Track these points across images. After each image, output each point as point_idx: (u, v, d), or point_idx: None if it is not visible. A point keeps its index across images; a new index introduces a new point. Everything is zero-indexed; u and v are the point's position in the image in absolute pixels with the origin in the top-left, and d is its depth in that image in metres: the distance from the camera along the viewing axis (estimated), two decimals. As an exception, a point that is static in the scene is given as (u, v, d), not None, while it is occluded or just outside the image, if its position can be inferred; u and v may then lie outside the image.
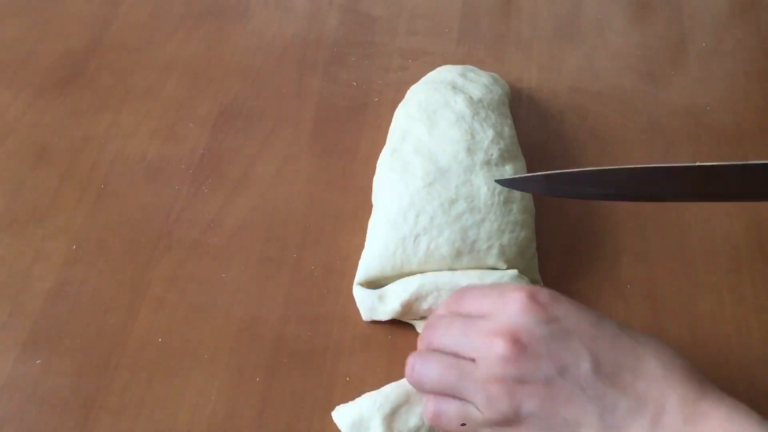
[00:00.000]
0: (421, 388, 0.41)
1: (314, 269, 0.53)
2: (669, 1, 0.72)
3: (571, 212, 0.56)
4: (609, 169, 0.41)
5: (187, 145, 0.60)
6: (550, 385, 0.36)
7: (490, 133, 0.52)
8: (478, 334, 0.38)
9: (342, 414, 0.45)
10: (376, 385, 0.46)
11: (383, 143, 0.56)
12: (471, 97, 0.55)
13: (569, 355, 0.36)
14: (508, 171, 0.51)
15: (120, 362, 0.48)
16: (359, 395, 0.45)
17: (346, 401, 0.45)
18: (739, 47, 0.68)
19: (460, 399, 0.39)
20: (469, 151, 0.51)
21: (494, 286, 0.41)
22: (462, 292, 0.42)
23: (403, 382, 0.44)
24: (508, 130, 0.54)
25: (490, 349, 0.37)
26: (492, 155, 0.51)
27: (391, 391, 0.44)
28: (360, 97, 0.63)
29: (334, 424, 0.45)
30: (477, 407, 0.38)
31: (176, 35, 0.68)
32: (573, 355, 0.36)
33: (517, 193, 0.50)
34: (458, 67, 0.60)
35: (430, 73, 0.61)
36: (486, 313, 0.39)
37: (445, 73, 0.59)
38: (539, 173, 0.43)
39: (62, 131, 0.61)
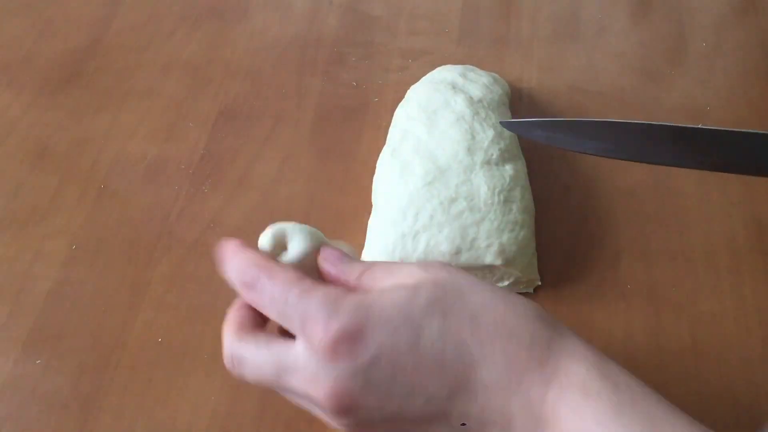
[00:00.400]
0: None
1: (314, 269, 0.53)
2: (669, 1, 0.72)
3: (571, 212, 0.56)
4: (610, 122, 0.40)
5: (187, 145, 0.60)
6: (391, 423, 0.33)
7: (491, 133, 0.52)
8: (299, 380, 0.33)
9: (342, 414, 0.44)
10: (376, 385, 0.46)
11: (383, 143, 0.56)
12: (471, 97, 0.55)
13: (397, 400, 0.32)
14: (508, 170, 0.51)
15: (120, 362, 0.48)
16: (359, 395, 0.45)
17: (346, 401, 0.45)
18: (739, 47, 0.68)
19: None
20: (469, 150, 0.51)
21: (300, 289, 0.34)
22: (262, 279, 0.35)
23: None
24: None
25: (316, 407, 0.34)
26: (492, 155, 0.51)
27: None
28: (360, 97, 0.63)
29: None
30: None
31: (176, 35, 0.68)
32: (401, 398, 0.32)
33: (516, 193, 0.50)
34: (458, 67, 0.60)
35: (430, 73, 0.61)
36: (294, 329, 0.34)
37: (445, 73, 0.59)
38: (541, 119, 0.42)
39: (62, 131, 0.61)
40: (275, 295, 0.34)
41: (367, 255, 0.50)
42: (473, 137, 0.52)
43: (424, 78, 0.60)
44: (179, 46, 0.67)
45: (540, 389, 0.32)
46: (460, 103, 0.54)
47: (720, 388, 0.47)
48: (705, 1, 0.72)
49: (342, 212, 0.56)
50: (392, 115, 0.58)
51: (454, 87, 0.56)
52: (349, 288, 0.35)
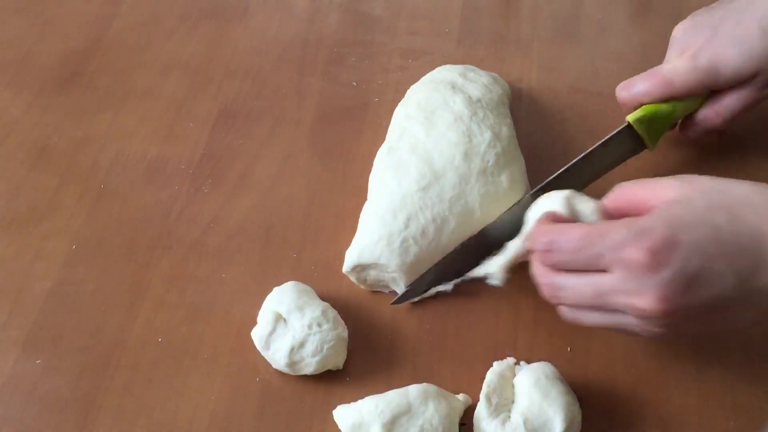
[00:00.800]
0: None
1: (314, 269, 0.53)
2: (669, 1, 0.72)
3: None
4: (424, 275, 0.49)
5: (187, 145, 0.60)
6: (708, 311, 0.39)
7: (488, 135, 0.52)
8: (621, 297, 0.40)
9: (343, 414, 0.45)
10: (376, 386, 0.46)
11: (383, 143, 0.56)
12: (470, 97, 0.55)
13: (712, 287, 0.38)
14: (503, 181, 0.51)
15: (120, 362, 0.48)
16: (359, 395, 0.45)
17: (346, 401, 0.45)
18: (739, 47, 0.68)
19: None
20: (466, 155, 0.51)
21: (596, 233, 0.40)
22: (558, 239, 0.41)
23: (406, 390, 0.44)
24: (506, 130, 0.54)
25: (642, 314, 0.39)
26: (488, 162, 0.51)
27: (395, 398, 0.44)
28: (360, 97, 0.63)
29: (334, 424, 0.45)
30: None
31: (176, 35, 0.68)
32: (716, 285, 0.38)
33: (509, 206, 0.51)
34: (458, 67, 0.60)
35: (430, 72, 0.61)
36: (605, 267, 0.40)
37: (445, 72, 0.59)
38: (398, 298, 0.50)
39: (62, 131, 0.61)
40: (577, 245, 0.40)
41: (352, 245, 0.50)
42: (470, 140, 0.52)
43: (423, 78, 0.60)
44: (179, 46, 0.67)
45: None
46: (458, 104, 0.54)
47: (720, 388, 0.47)
48: (705, 2, 0.72)
49: (342, 212, 0.56)
50: (392, 115, 0.58)
51: (453, 87, 0.56)
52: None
